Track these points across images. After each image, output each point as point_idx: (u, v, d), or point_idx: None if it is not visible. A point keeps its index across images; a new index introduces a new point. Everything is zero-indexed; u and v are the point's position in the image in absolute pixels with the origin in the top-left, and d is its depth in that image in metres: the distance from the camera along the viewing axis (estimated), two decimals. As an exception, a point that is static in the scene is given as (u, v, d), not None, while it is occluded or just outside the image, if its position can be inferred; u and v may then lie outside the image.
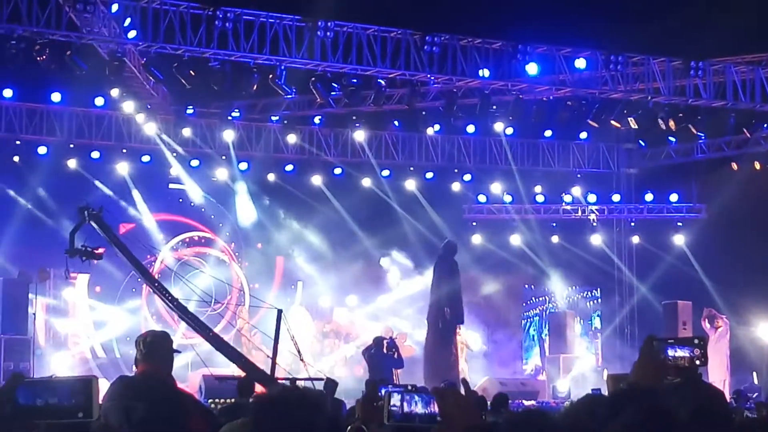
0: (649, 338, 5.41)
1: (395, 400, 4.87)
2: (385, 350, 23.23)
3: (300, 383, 16.61)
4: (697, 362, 5.43)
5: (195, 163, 28.69)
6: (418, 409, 4.82)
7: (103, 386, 7.56)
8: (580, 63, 25.01)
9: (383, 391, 4.98)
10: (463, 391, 4.52)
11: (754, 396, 23.61)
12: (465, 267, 30.74)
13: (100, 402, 7.28)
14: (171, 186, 29.06)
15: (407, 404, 4.85)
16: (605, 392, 7.25)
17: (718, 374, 25.27)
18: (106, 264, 27.62)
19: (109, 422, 7.02)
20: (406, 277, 30.42)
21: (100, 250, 17.90)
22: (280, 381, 16.43)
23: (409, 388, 9.21)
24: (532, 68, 24.50)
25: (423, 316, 29.22)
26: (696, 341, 5.47)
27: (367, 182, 30.28)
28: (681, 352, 5.51)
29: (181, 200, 29.46)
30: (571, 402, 4.49)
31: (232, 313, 25.84)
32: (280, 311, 17.14)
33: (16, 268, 25.89)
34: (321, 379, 18.20)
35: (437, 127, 29.36)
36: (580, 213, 32.12)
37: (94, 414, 5.17)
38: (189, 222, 29.47)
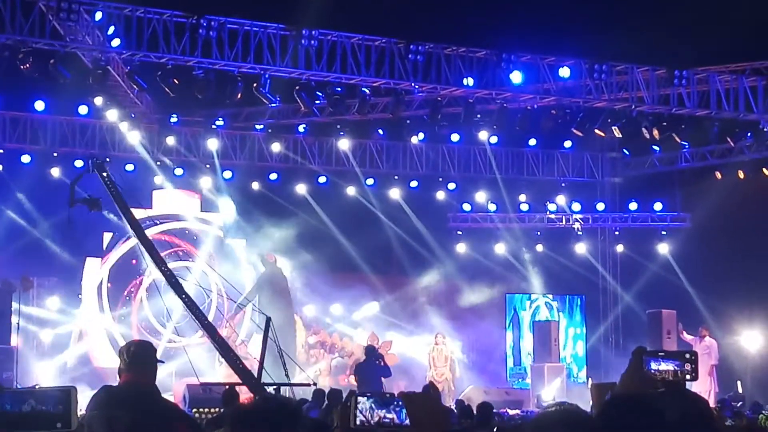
0: (638, 350, 5.38)
1: (362, 404, 4.83)
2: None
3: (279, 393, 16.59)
4: (687, 377, 5.37)
5: (179, 171, 28.61)
6: (386, 413, 4.78)
7: (85, 396, 7.52)
8: (564, 72, 25.02)
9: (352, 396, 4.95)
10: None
11: (738, 405, 23.63)
12: (449, 276, 30.83)
13: (83, 411, 7.26)
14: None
15: (375, 408, 4.81)
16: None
17: (703, 385, 25.27)
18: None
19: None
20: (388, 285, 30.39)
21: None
22: (267, 386, 16.39)
23: (387, 396, 9.16)
24: (516, 77, 24.50)
25: (407, 324, 29.33)
26: (687, 356, 5.42)
27: (351, 191, 30.27)
28: (665, 366, 5.45)
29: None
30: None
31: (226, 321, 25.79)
32: (268, 319, 17.08)
33: (-1, 276, 25.82)
34: (308, 385, 18.22)
35: (421, 135, 29.37)
36: (564, 222, 32.15)
37: (72, 424, 5.13)
38: (172, 240, 29.21)
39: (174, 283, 16.66)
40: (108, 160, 17.44)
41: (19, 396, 5.22)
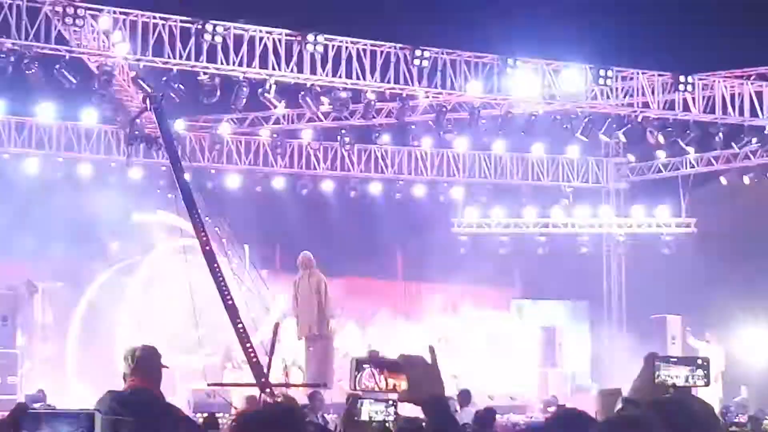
0: (651, 356, 5.35)
1: (364, 370, 4.84)
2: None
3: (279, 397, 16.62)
4: (700, 383, 5.33)
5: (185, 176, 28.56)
6: (384, 378, 4.79)
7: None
8: (570, 77, 25.03)
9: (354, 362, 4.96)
10: (430, 361, 4.53)
11: (743, 411, 23.54)
12: (454, 281, 30.77)
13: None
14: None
15: (374, 373, 4.82)
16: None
17: (708, 390, 25.18)
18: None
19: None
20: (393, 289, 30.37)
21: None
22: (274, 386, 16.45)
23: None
24: (521, 82, 24.51)
25: (412, 329, 29.24)
26: (700, 361, 5.37)
27: (356, 195, 30.23)
28: (677, 371, 5.41)
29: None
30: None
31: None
32: (277, 324, 17.15)
33: (4, 281, 25.79)
34: (317, 385, 18.26)
35: (426, 140, 29.35)
36: (569, 227, 32.10)
37: None
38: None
39: (204, 239, 16.69)
40: (163, 96, 17.33)
41: (39, 418, 5.21)
